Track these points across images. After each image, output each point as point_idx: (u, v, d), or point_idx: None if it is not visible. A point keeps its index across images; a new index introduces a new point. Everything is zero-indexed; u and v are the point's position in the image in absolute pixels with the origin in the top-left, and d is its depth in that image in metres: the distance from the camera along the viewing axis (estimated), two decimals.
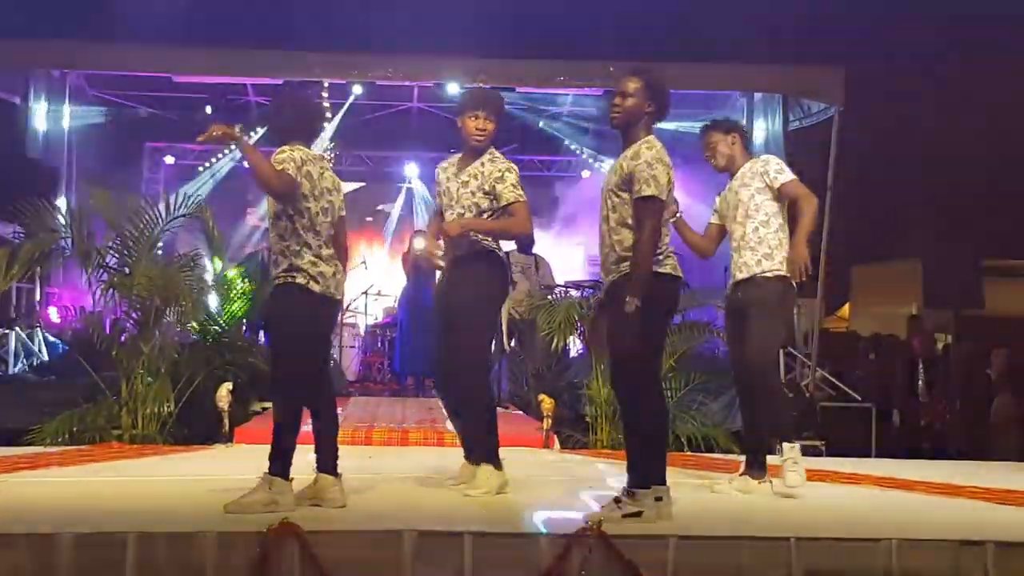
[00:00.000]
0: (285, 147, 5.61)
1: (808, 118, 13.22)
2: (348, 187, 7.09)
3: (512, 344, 12.00)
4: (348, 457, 6.06)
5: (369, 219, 18.62)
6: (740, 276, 6.56)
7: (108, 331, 9.26)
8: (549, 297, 10.95)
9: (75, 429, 8.57)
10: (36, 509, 5.44)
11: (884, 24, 14.41)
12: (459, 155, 6.35)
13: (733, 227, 6.64)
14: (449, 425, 9.54)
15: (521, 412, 11.03)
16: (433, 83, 14.25)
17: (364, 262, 16.08)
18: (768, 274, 6.47)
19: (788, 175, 6.54)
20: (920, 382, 12.59)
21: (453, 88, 14.47)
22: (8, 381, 10.68)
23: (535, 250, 12.80)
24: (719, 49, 12.51)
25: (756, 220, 6.52)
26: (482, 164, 6.18)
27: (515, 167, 6.24)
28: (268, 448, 5.60)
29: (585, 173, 17.85)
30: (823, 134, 12.58)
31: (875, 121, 14.12)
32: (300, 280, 5.56)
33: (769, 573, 4.92)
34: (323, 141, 15.52)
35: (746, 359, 6.48)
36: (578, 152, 17.40)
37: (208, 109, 15.34)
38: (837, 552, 4.99)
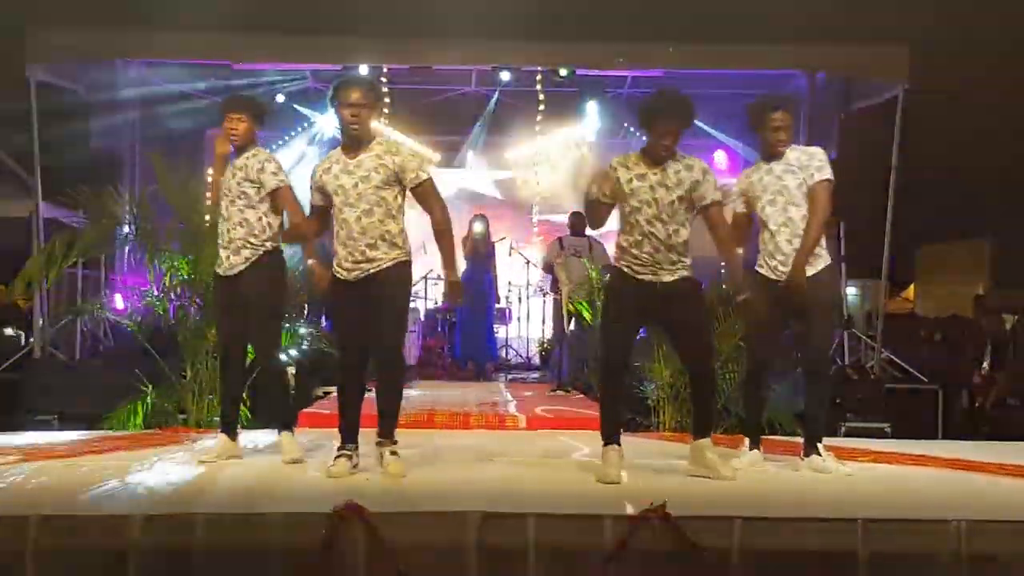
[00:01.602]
0: None
1: (868, 98, 13.05)
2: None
3: (572, 328, 11.97)
4: (412, 439, 6.11)
5: None
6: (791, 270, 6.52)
7: (173, 316, 9.37)
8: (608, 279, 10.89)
9: (142, 414, 8.68)
10: (105, 492, 5.50)
11: None
12: None
13: (771, 211, 6.55)
14: (511, 408, 9.59)
15: (582, 395, 11.01)
16: (491, 67, 14.22)
17: (424, 246, 16.07)
18: (822, 267, 6.53)
19: (827, 173, 6.49)
20: (985, 363, 12.41)
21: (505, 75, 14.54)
22: (75, 367, 10.81)
23: (588, 232, 12.77)
24: (781, 28, 12.36)
25: (804, 209, 6.48)
26: None
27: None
28: (333, 430, 5.75)
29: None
30: (882, 113, 12.43)
31: (940, 99, 13.92)
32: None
33: (835, 555, 4.88)
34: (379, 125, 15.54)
35: (817, 351, 6.61)
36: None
37: (280, 97, 15.46)
38: (905, 533, 4.93)
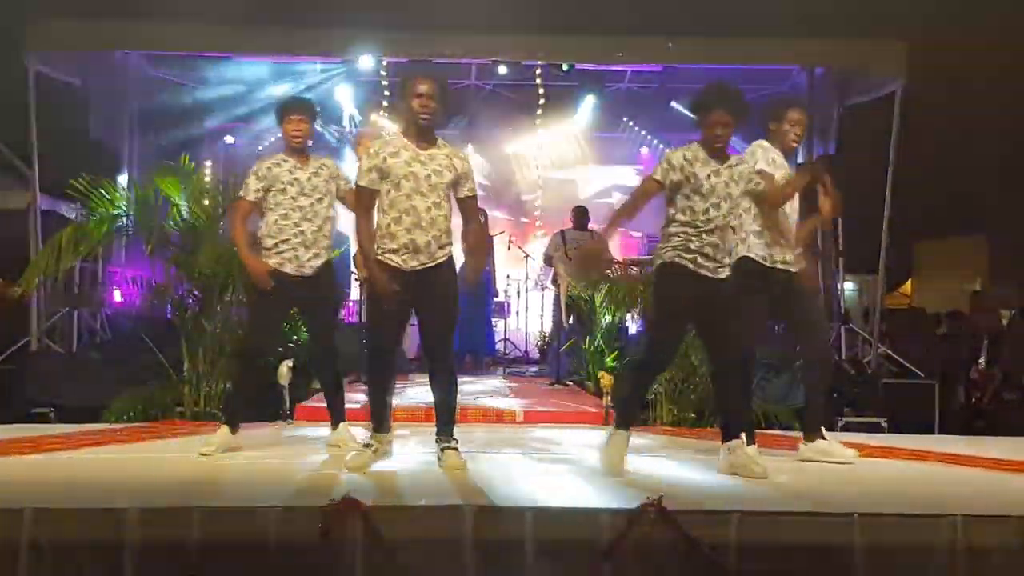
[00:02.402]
0: None
1: (867, 94, 13.05)
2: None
3: (571, 321, 11.97)
4: (411, 434, 6.12)
5: None
6: (791, 261, 6.57)
7: (171, 309, 9.37)
8: (608, 274, 10.90)
9: (139, 407, 8.68)
10: (102, 485, 5.51)
11: None
12: None
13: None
14: (509, 402, 9.59)
15: (581, 389, 11.02)
16: (491, 60, 14.19)
17: None
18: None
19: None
20: (981, 358, 12.44)
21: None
22: (72, 360, 10.81)
23: (591, 226, 12.79)
24: (780, 24, 12.37)
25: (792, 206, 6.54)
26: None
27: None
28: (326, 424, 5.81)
29: (644, 150, 17.69)
30: (880, 110, 12.43)
31: (938, 95, 13.93)
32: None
33: (832, 549, 4.89)
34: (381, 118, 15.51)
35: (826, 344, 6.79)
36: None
37: (281, 90, 15.41)
38: (900, 528, 4.94)
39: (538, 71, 14.96)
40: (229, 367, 7.07)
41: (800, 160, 6.57)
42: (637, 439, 7.42)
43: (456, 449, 6.20)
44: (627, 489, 5.44)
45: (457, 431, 6.37)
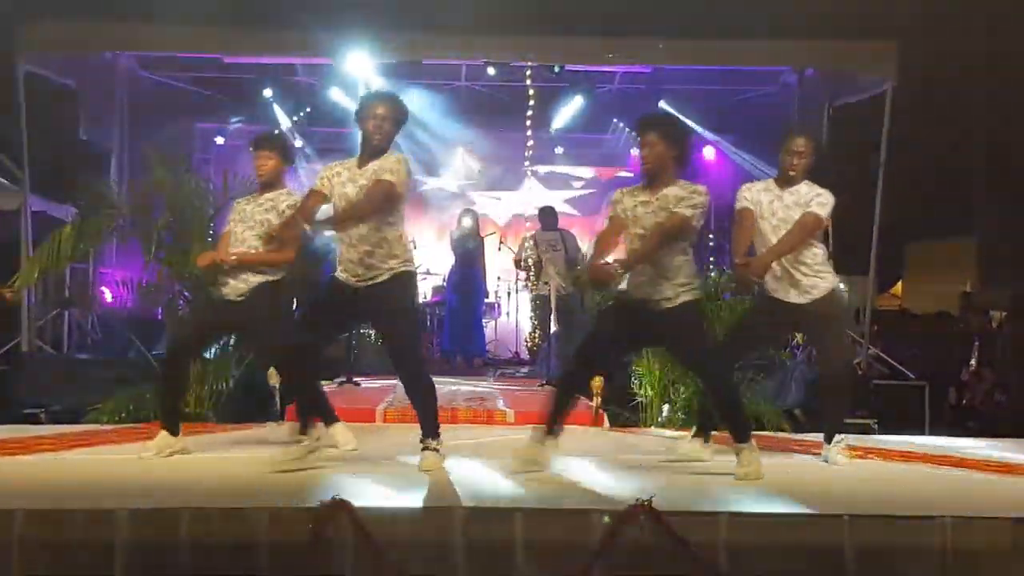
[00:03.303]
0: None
1: (856, 94, 13.06)
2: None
3: (558, 323, 12.00)
4: (400, 434, 6.13)
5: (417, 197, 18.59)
6: (815, 291, 6.65)
7: (162, 310, 9.36)
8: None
9: (131, 408, 8.67)
10: (92, 486, 5.50)
11: None
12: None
13: (772, 237, 6.52)
14: (500, 403, 9.59)
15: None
16: (482, 61, 14.19)
17: (413, 241, 16.03)
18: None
19: (822, 211, 6.58)
20: (972, 359, 12.46)
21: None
22: (63, 360, 10.80)
23: (560, 225, 12.83)
24: (770, 25, 12.37)
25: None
26: None
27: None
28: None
29: (635, 151, 17.70)
30: (870, 110, 12.45)
31: (928, 96, 13.95)
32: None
33: (821, 550, 4.89)
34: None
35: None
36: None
37: (267, 92, 15.41)
38: (891, 529, 4.95)
39: (528, 72, 14.98)
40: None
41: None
42: (628, 440, 7.45)
43: (434, 450, 6.19)
44: (617, 490, 5.44)
45: (448, 432, 6.37)
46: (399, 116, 6.18)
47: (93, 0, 11.95)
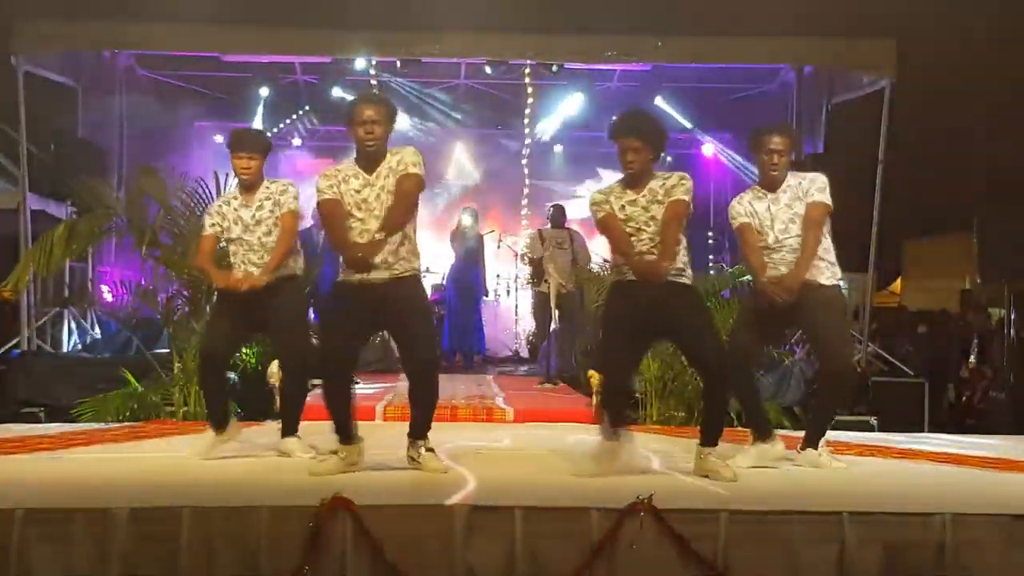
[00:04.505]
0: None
1: (854, 91, 13.07)
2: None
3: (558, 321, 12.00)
4: (399, 432, 6.14)
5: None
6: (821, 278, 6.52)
7: (160, 309, 9.36)
8: (597, 270, 10.94)
9: (131, 407, 8.67)
10: (92, 484, 5.51)
11: None
12: None
13: (786, 239, 6.45)
14: (499, 401, 9.60)
15: (571, 388, 11.02)
16: (483, 60, 14.18)
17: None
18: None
19: (825, 198, 6.49)
20: (972, 357, 12.46)
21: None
22: (62, 359, 10.80)
23: (569, 225, 12.82)
24: (769, 22, 12.37)
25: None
26: None
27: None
28: (318, 424, 5.79)
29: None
30: (868, 107, 12.46)
31: (926, 93, 13.96)
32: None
33: (821, 548, 4.91)
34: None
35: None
36: None
37: (264, 91, 15.40)
38: (890, 526, 4.96)
39: (527, 70, 14.98)
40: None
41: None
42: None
43: (431, 450, 6.15)
44: (617, 488, 5.44)
45: (448, 430, 6.37)
46: (388, 116, 6.09)
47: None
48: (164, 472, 6.01)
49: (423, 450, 6.12)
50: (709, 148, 16.33)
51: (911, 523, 4.97)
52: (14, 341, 11.09)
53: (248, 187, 6.70)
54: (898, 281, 21.61)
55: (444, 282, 14.63)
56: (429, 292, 15.37)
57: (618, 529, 4.79)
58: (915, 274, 21.01)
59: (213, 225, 6.72)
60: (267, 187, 6.70)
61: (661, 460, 6.56)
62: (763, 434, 6.60)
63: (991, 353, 12.37)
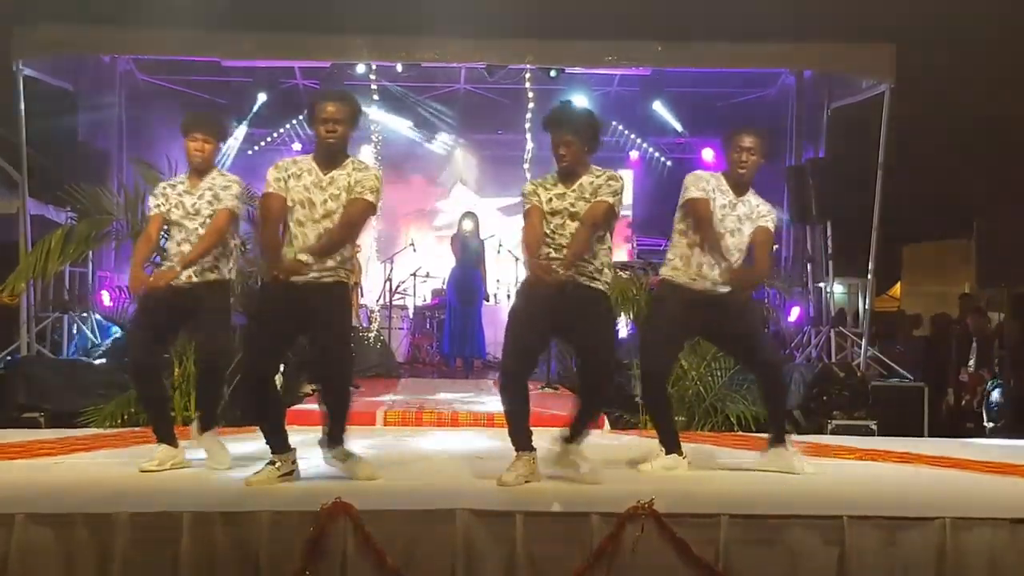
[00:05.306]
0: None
1: (854, 96, 13.09)
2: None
3: None
4: (400, 436, 6.13)
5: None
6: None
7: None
8: None
9: (131, 411, 8.67)
10: (92, 489, 5.51)
11: None
12: None
13: (735, 240, 6.48)
14: (500, 406, 9.59)
15: (570, 392, 11.01)
16: (483, 65, 14.20)
17: (412, 244, 16.08)
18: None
19: (769, 223, 6.56)
20: (971, 361, 12.46)
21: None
22: (62, 364, 10.80)
23: None
24: (769, 27, 12.37)
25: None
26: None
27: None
28: (318, 429, 5.96)
29: (633, 154, 17.71)
30: (868, 112, 12.47)
31: (925, 97, 13.97)
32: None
33: (821, 552, 4.90)
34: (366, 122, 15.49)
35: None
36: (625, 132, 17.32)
37: (262, 96, 15.41)
38: (890, 531, 4.96)
39: (527, 75, 14.99)
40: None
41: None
42: (628, 441, 7.46)
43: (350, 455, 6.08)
44: (618, 493, 5.44)
45: (449, 434, 6.36)
46: (352, 114, 5.90)
47: (92, 3, 11.93)
48: (165, 477, 6.02)
49: (346, 455, 6.05)
50: (709, 153, 16.33)
51: (911, 527, 4.96)
52: (14, 346, 11.10)
53: (198, 172, 6.56)
54: (898, 285, 21.60)
55: (444, 286, 14.63)
56: (429, 297, 15.46)
57: (619, 534, 4.79)
58: (915, 278, 20.99)
59: (157, 206, 6.58)
60: (214, 178, 6.55)
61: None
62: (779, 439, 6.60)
63: (990, 357, 12.36)
